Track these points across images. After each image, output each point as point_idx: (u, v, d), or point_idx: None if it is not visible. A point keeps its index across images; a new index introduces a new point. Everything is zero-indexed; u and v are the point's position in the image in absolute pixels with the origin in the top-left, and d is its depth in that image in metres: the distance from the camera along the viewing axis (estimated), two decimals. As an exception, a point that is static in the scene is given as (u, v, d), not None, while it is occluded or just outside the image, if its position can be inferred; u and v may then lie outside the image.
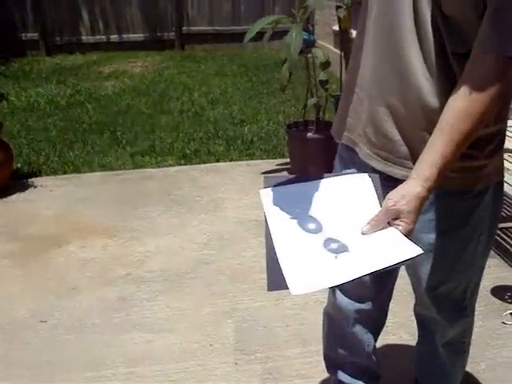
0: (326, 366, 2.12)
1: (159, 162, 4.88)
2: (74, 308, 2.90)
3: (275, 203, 1.36)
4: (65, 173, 4.70)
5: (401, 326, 2.62)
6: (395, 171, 1.46)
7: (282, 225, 1.30)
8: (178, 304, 2.90)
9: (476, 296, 1.78)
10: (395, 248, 1.21)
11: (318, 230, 1.29)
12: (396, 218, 1.27)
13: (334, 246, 1.24)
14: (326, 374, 2.19)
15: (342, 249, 1.23)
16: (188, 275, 3.15)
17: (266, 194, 1.39)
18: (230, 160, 4.92)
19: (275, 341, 2.62)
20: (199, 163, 4.85)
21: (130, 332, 2.71)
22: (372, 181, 1.40)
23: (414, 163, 1.35)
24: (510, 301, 2.84)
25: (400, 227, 1.25)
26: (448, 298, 1.67)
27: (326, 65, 4.22)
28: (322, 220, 1.31)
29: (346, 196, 1.38)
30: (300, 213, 1.33)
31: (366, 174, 1.43)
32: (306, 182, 1.41)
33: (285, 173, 4.49)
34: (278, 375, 2.42)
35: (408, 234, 1.25)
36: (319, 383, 2.35)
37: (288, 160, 4.67)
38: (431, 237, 1.53)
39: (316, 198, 1.37)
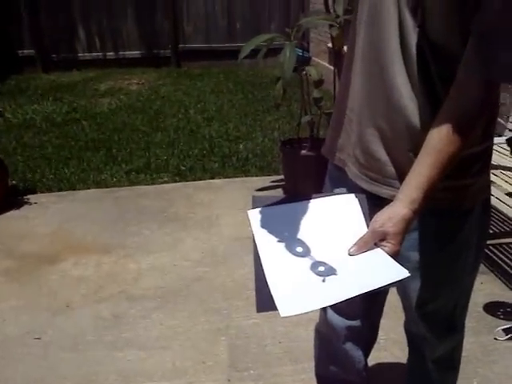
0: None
1: (154, 179, 4.89)
2: (67, 325, 2.90)
3: (263, 225, 1.37)
4: (60, 190, 4.71)
5: (394, 343, 2.63)
6: (383, 191, 1.48)
7: (269, 247, 1.31)
8: (172, 321, 2.91)
9: (466, 313, 1.78)
10: (382, 270, 1.22)
11: (306, 253, 1.30)
12: (382, 240, 1.28)
13: (321, 268, 1.25)
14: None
15: (330, 272, 1.24)
16: (182, 292, 3.16)
17: (254, 215, 1.40)
18: (225, 177, 4.94)
19: (268, 358, 2.62)
20: (194, 180, 4.87)
21: (123, 349, 2.71)
22: (359, 201, 1.41)
23: (401, 183, 1.36)
24: (502, 317, 2.85)
25: (386, 248, 1.26)
26: (437, 316, 1.68)
27: (319, 83, 4.25)
28: (310, 243, 1.32)
29: (333, 217, 1.39)
30: (287, 236, 1.34)
31: (352, 195, 1.44)
32: (294, 203, 1.42)
33: (275, 191, 4.51)
34: (271, 392, 2.42)
35: (394, 255, 1.27)
36: (311, 400, 2.35)
37: (282, 177, 4.69)
38: (419, 255, 1.54)
39: (304, 219, 1.38)
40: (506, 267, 3.27)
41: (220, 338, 2.77)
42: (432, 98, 1.33)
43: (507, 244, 3.49)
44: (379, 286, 1.18)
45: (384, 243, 1.28)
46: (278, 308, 1.16)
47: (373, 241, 1.28)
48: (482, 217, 1.56)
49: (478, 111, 1.26)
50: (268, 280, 1.23)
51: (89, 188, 4.73)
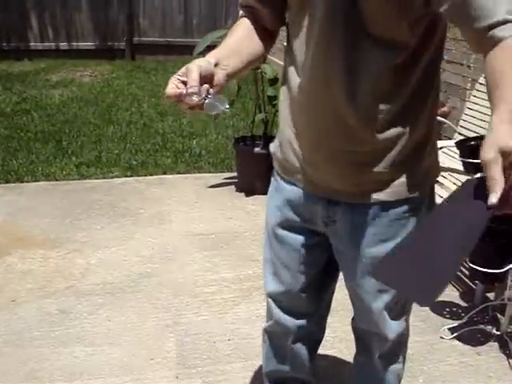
0: (266, 382, 2.12)
1: (105, 173, 4.82)
2: (12, 320, 2.84)
3: None
4: (7, 182, 4.60)
5: (341, 341, 2.66)
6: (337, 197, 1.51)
7: None
8: (120, 317, 2.87)
9: (410, 309, 1.81)
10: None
11: None
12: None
13: None
14: (265, 388, 2.20)
15: None
16: (130, 288, 3.12)
17: None
18: (178, 173, 4.90)
19: (217, 355, 2.61)
20: (146, 175, 4.82)
21: (70, 345, 2.66)
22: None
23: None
24: (448, 316, 2.90)
25: None
26: (389, 310, 1.70)
27: (273, 81, 4.26)
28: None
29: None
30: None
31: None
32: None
33: (227, 188, 4.50)
34: (219, 390, 2.41)
35: None
36: (259, 398, 2.35)
37: (235, 174, 4.68)
38: (375, 250, 1.55)
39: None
40: (453, 267, 3.33)
41: (168, 334, 2.75)
42: (373, 92, 1.36)
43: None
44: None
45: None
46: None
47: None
48: (429, 207, 1.59)
49: None
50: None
51: (37, 181, 4.64)
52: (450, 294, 3.09)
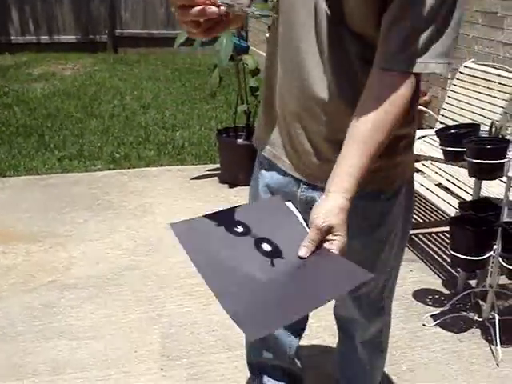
0: (250, 371, 2.13)
1: (87, 166, 4.80)
2: (-5, 315, 2.83)
3: (195, 235, 1.29)
4: (-11, 176, 4.58)
5: (325, 329, 2.67)
6: (315, 180, 1.49)
7: (207, 250, 1.25)
8: (103, 311, 2.87)
9: (393, 294, 1.82)
10: (344, 274, 1.19)
11: (246, 232, 1.26)
12: (328, 234, 1.25)
13: (279, 265, 1.21)
14: (249, 378, 2.20)
15: (289, 268, 1.21)
16: (114, 281, 3.12)
17: (180, 229, 1.32)
18: (161, 165, 4.89)
19: (201, 346, 2.62)
20: (129, 168, 4.80)
21: (53, 339, 2.65)
22: (285, 201, 1.38)
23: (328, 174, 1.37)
24: (430, 304, 2.92)
25: (336, 242, 1.24)
26: (368, 298, 1.71)
27: (255, 72, 4.26)
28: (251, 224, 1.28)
29: (267, 220, 1.34)
30: (231, 235, 1.27)
31: (278, 197, 1.43)
32: (220, 212, 1.33)
33: (211, 180, 4.51)
34: (204, 380, 2.41)
35: (345, 246, 1.26)
36: (244, 387, 2.36)
37: (218, 165, 4.68)
38: (350, 240, 1.56)
39: (238, 223, 1.30)
40: (435, 255, 3.36)
41: (152, 326, 2.75)
42: (350, 81, 1.35)
43: (436, 233, 3.58)
44: (344, 290, 1.16)
45: (331, 236, 1.25)
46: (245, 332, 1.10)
47: (320, 238, 1.25)
48: (407, 199, 1.60)
49: (404, 99, 1.26)
50: (216, 294, 1.15)
51: (19, 175, 4.60)
52: (433, 281, 3.11)
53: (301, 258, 1.24)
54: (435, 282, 3.10)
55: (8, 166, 4.73)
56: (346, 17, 1.29)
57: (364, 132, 1.27)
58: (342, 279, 1.19)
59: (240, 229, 1.27)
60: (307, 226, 1.30)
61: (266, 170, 1.66)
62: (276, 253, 1.23)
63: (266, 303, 1.16)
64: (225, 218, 1.30)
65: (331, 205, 1.26)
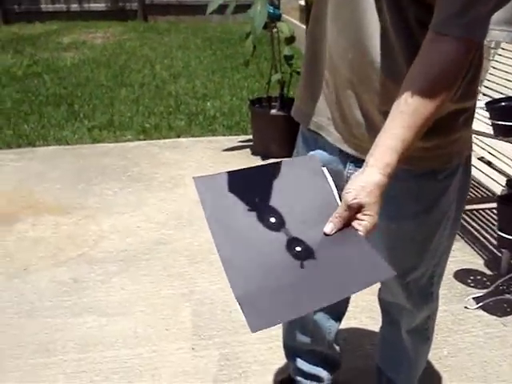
0: (286, 354, 2.04)
1: (117, 136, 4.72)
2: (24, 289, 2.77)
3: (218, 194, 1.19)
4: (19, 146, 4.52)
5: (362, 311, 2.56)
6: (366, 156, 1.37)
7: (230, 222, 1.16)
8: (134, 286, 2.79)
9: (441, 281, 1.72)
10: (365, 267, 1.09)
11: (280, 225, 1.17)
12: (358, 212, 1.16)
13: (298, 248, 1.13)
14: (285, 361, 2.12)
15: (308, 253, 1.12)
16: (144, 256, 3.04)
17: (204, 183, 1.21)
18: (191, 136, 4.79)
19: (233, 325, 2.53)
20: (159, 138, 4.71)
21: (83, 315, 2.59)
22: (321, 165, 1.28)
23: None
24: (472, 285, 2.80)
25: (364, 222, 1.14)
26: (417, 285, 1.61)
27: (290, 40, 4.11)
28: (283, 212, 1.19)
29: (296, 184, 1.24)
30: (258, 203, 1.20)
31: (315, 155, 1.32)
32: (249, 170, 1.24)
33: (243, 151, 4.40)
34: (236, 361, 2.33)
35: (374, 228, 1.16)
36: (278, 370, 2.27)
37: (251, 137, 4.56)
38: (402, 222, 1.44)
39: (266, 186, 1.21)
40: (477, 234, 3.22)
41: (184, 303, 2.67)
42: (410, 47, 1.21)
43: (478, 210, 3.43)
44: (362, 287, 1.06)
45: (361, 216, 1.15)
46: (247, 322, 1.00)
47: (349, 215, 1.15)
48: (463, 180, 1.48)
49: (458, 69, 1.14)
50: (227, 273, 1.07)
51: (49, 145, 4.55)
52: (475, 261, 2.98)
53: (325, 234, 1.15)
54: (477, 262, 2.97)
55: (37, 136, 4.67)
56: None
57: (412, 103, 1.14)
58: (363, 273, 1.09)
59: (273, 220, 1.16)
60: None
61: (308, 145, 1.54)
62: (308, 255, 1.13)
63: (277, 290, 1.06)
64: (253, 180, 1.22)
65: (366, 180, 1.15)
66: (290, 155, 1.66)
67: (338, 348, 1.97)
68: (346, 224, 1.16)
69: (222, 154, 4.36)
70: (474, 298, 2.68)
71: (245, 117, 5.08)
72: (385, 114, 1.23)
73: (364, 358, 2.29)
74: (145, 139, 4.69)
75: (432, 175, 1.40)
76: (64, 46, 7.84)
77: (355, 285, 1.08)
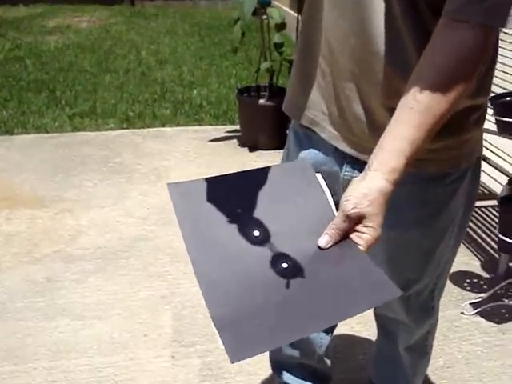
0: (272, 367, 1.89)
1: (99, 124, 4.53)
2: (-6, 289, 2.61)
3: (195, 201, 1.06)
4: (-4, 134, 4.33)
5: (353, 317, 2.42)
6: (364, 155, 1.21)
7: (205, 233, 1.01)
8: (111, 287, 2.63)
9: (442, 293, 1.58)
10: (367, 286, 0.94)
11: (264, 238, 1.02)
12: (358, 223, 1.01)
13: (285, 265, 0.98)
14: (270, 371, 1.97)
15: (295, 271, 0.97)
16: (123, 254, 2.87)
17: (178, 190, 1.09)
18: (177, 125, 4.61)
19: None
20: (143, 127, 4.52)
21: (56, 319, 2.43)
22: (315, 170, 1.13)
23: None
24: (468, 288, 2.66)
25: (365, 235, 0.99)
26: (418, 299, 1.47)
27: (281, 26, 3.93)
28: (268, 224, 1.04)
29: (285, 191, 1.09)
30: (240, 213, 1.05)
31: (306, 159, 1.17)
32: (231, 176, 1.10)
33: (230, 142, 4.23)
34: (219, 371, 2.18)
35: (375, 242, 1.00)
36: (263, 381, 2.13)
37: (238, 127, 4.39)
38: (404, 230, 1.29)
39: (250, 195, 1.07)
40: (473, 234, 3.07)
41: (164, 306, 2.51)
42: (420, 35, 1.06)
43: (474, 208, 3.29)
44: (363, 308, 0.91)
45: (361, 228, 1.00)
46: (226, 351, 0.86)
47: (347, 226, 1.00)
48: (472, 182, 1.32)
49: (474, 61, 0.99)
50: (203, 293, 0.93)
51: (28, 133, 4.35)
52: (470, 263, 2.84)
53: (320, 248, 1.00)
54: (474, 264, 2.83)
55: (16, 123, 4.48)
56: None
57: (423, 98, 0.98)
58: (363, 293, 0.94)
59: (257, 233, 1.02)
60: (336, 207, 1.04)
61: (300, 143, 1.38)
62: (296, 272, 0.97)
63: (260, 313, 0.90)
64: (235, 188, 1.07)
65: (368, 187, 0.99)
66: (278, 147, 1.50)
67: (328, 362, 1.82)
68: (344, 237, 1.01)
69: (208, 145, 4.19)
70: (470, 304, 2.54)
71: (232, 106, 4.91)
72: (390, 110, 1.07)
73: (356, 369, 2.15)
74: (128, 128, 4.51)
75: (439, 179, 1.25)
76: (48, 30, 7.62)
77: (354, 307, 0.92)
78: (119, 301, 2.54)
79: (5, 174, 3.66)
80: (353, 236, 1.00)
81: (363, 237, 0.99)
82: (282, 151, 1.53)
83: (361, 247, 0.99)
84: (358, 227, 1.00)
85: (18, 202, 3.34)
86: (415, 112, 0.99)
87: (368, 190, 0.99)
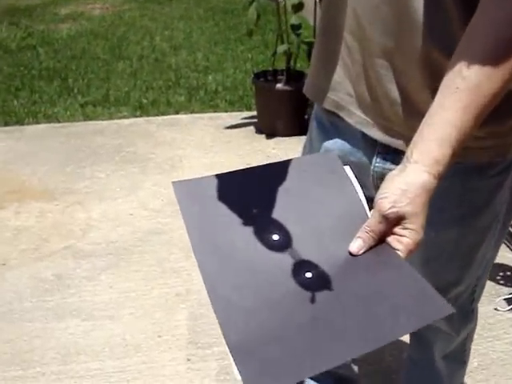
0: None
1: (112, 113, 4.39)
2: (2, 288, 2.49)
3: (205, 201, 0.92)
4: (6, 124, 4.21)
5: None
6: (398, 142, 1.06)
7: (216, 236, 0.88)
8: (123, 284, 2.51)
9: (481, 295, 1.43)
10: (410, 301, 0.80)
11: (285, 243, 0.87)
12: (396, 224, 0.86)
13: (309, 275, 0.83)
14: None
15: (321, 282, 0.82)
16: (136, 248, 2.74)
17: (186, 190, 0.95)
18: (192, 112, 4.46)
19: (235, 331, 2.24)
20: (157, 115, 4.38)
21: (65, 319, 2.31)
22: (343, 164, 0.99)
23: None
24: (502, 282, 2.50)
25: (405, 238, 0.84)
26: (457, 302, 1.31)
27: (298, 7, 3.75)
28: (289, 226, 0.89)
29: (309, 190, 0.95)
30: (256, 214, 0.91)
31: (332, 150, 1.02)
32: (246, 171, 0.96)
33: (246, 129, 4.07)
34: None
35: (417, 247, 0.85)
36: (285, 386, 1.99)
37: (255, 113, 4.24)
38: (443, 228, 1.14)
39: (268, 193, 0.93)
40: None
41: (179, 305, 2.38)
42: (467, 4, 0.89)
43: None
44: (404, 331, 0.76)
45: (400, 230, 0.85)
46: (240, 377, 0.72)
47: (383, 229, 0.85)
48: None
49: None
50: (214, 307, 0.81)
51: (38, 123, 4.22)
52: (504, 255, 2.67)
53: (351, 254, 0.86)
54: (507, 256, 2.67)
55: (27, 113, 4.35)
56: None
57: (471, 75, 0.82)
58: (408, 310, 0.79)
59: (276, 237, 0.88)
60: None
61: (324, 132, 1.23)
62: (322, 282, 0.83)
63: (281, 334, 0.77)
64: (250, 185, 0.93)
65: (407, 182, 0.85)
66: (297, 133, 1.35)
67: (356, 368, 1.68)
68: (380, 241, 0.86)
69: (224, 132, 4.05)
70: (505, 299, 2.38)
71: (248, 91, 4.75)
72: (430, 91, 0.91)
73: (385, 373, 2.00)
74: (141, 116, 4.37)
75: (483, 171, 1.09)
76: (61, 18, 7.49)
77: (396, 328, 0.78)
78: (132, 299, 2.41)
79: (13, 166, 3.54)
80: (390, 240, 0.85)
81: (403, 241, 0.84)
82: (300, 138, 1.39)
83: (400, 253, 0.84)
84: (396, 229, 0.85)
85: (27, 194, 3.22)
86: (462, 91, 0.83)
87: (407, 185, 0.84)
